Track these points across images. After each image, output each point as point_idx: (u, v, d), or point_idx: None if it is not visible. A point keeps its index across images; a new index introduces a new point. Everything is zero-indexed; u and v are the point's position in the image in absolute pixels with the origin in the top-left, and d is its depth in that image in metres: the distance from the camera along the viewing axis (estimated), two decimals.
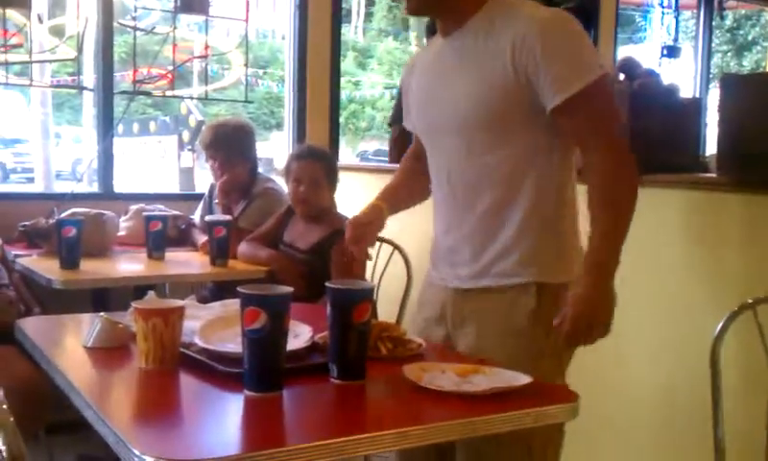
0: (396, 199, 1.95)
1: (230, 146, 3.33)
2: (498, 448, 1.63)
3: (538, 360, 1.63)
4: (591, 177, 1.61)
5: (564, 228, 1.73)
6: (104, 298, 3.12)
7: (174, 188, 8.21)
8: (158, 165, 8.88)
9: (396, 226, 2.01)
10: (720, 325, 2.02)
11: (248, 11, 4.10)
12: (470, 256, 1.73)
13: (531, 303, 1.67)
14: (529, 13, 1.62)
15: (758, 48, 15.05)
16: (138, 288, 2.72)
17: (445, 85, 1.74)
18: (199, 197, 3.69)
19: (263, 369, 1.35)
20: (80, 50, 3.77)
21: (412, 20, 20.31)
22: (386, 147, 4.33)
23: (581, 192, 1.76)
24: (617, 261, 1.59)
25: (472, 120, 1.67)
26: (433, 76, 1.79)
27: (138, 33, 3.92)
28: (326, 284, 1.47)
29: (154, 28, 4.23)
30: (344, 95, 15.78)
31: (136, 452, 1.08)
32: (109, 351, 1.65)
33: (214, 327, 1.64)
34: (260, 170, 3.54)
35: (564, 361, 1.74)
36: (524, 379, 1.45)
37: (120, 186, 4.15)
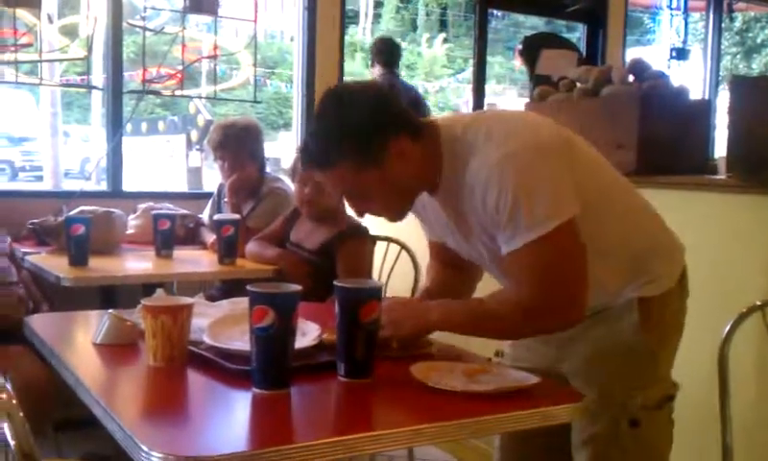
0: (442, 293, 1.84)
1: (239, 146, 3.34)
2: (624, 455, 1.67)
3: (644, 363, 1.68)
4: (502, 299, 1.59)
5: (645, 245, 1.71)
6: (112, 295, 3.13)
7: (182, 188, 8.22)
8: (167, 164, 8.90)
9: (403, 225, 2.01)
10: (728, 326, 2.01)
11: (256, 11, 4.11)
12: None
13: (635, 315, 1.67)
14: (478, 163, 1.53)
15: (767, 51, 15.01)
16: (147, 286, 2.73)
17: (464, 246, 1.73)
18: (207, 196, 3.70)
19: (271, 367, 1.35)
20: (89, 50, 3.79)
21: (420, 21, 20.32)
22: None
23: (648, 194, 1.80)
24: (446, 328, 1.63)
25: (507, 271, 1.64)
26: (442, 225, 1.76)
27: (147, 33, 3.93)
28: (334, 283, 1.48)
29: (163, 28, 4.24)
30: None
31: (144, 448, 1.09)
32: (118, 348, 1.66)
33: (222, 324, 1.65)
34: (268, 170, 3.55)
35: (671, 358, 1.77)
36: (532, 379, 1.45)
37: (129, 185, 4.17)
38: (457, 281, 1.88)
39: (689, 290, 1.82)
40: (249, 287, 1.35)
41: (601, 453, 1.69)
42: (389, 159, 1.56)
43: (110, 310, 1.76)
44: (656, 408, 1.69)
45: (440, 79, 18.67)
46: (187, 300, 1.58)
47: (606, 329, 1.68)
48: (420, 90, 17.34)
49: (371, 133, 1.55)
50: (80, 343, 1.83)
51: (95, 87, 3.99)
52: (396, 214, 1.69)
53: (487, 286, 1.78)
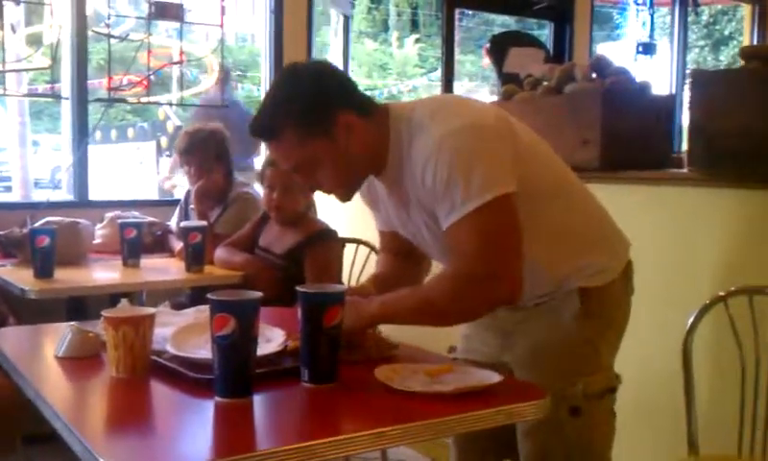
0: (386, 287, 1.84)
1: (205, 151, 3.32)
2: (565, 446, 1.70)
3: (585, 352, 1.71)
4: (437, 278, 1.62)
5: (589, 235, 1.75)
6: (80, 307, 3.11)
7: (153, 195, 8.17)
8: (138, 171, 8.83)
9: (372, 227, 2.01)
10: (692, 318, 2.04)
11: (222, 16, 4.10)
12: None
13: (576, 304, 1.70)
14: (419, 144, 1.58)
15: (735, 43, 15.16)
16: (114, 296, 2.71)
17: (412, 232, 1.77)
18: (176, 203, 3.68)
19: (233, 375, 1.35)
20: (54, 58, 3.75)
21: (391, 21, 20.33)
22: None
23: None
24: (390, 320, 1.64)
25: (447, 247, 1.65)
26: (391, 211, 1.79)
27: (113, 40, 3.90)
28: (297, 288, 1.47)
29: (128, 35, 4.21)
30: None
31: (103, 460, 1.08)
32: (81, 361, 1.64)
33: (186, 334, 1.64)
34: (237, 175, 3.54)
35: (613, 350, 1.79)
36: (495, 378, 1.45)
37: (98, 194, 4.13)
38: (406, 271, 1.90)
39: (650, 285, 1.84)
40: (209, 295, 1.35)
41: (543, 442, 1.71)
42: (336, 131, 1.59)
43: (72, 323, 1.74)
44: (597, 397, 1.71)
45: (412, 78, 18.69)
46: (149, 310, 1.57)
47: (548, 319, 1.72)
48: (393, 90, 17.35)
49: (316, 103, 1.59)
50: (42, 356, 1.81)
51: (60, 96, 3.94)
52: (344, 190, 1.71)
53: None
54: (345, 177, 1.68)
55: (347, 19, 5.07)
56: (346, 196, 1.73)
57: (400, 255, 1.90)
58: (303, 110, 1.59)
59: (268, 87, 1.71)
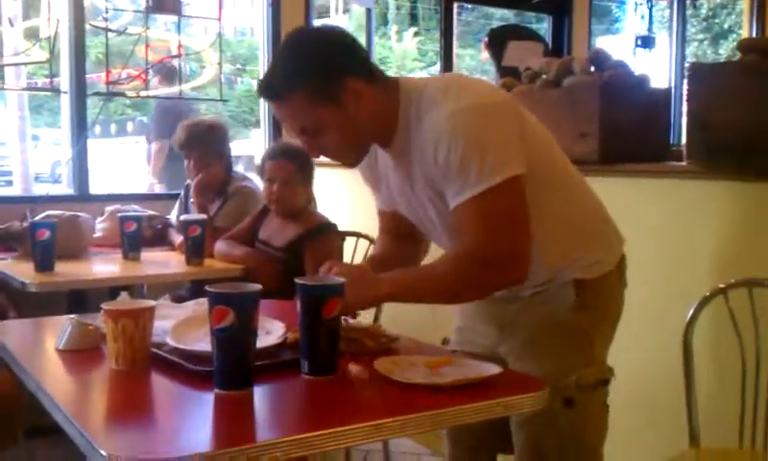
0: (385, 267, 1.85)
1: (205, 145, 3.33)
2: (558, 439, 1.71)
3: (580, 343, 1.72)
4: (450, 258, 1.62)
5: (585, 226, 1.77)
6: (80, 300, 3.11)
7: (152, 189, 8.17)
8: (137, 166, 8.84)
9: (372, 220, 2.01)
10: (692, 310, 2.05)
11: (220, 10, 4.10)
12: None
13: (571, 295, 1.71)
14: (431, 120, 1.58)
15: (734, 36, 15.14)
16: (114, 289, 2.71)
17: (414, 209, 1.77)
18: (176, 197, 3.68)
19: (232, 367, 1.35)
20: (52, 52, 3.75)
21: (391, 15, 20.29)
22: None
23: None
24: (400, 297, 1.65)
25: (450, 228, 1.67)
26: (395, 187, 1.79)
27: (111, 34, 3.90)
28: (296, 280, 1.48)
29: (126, 29, 4.21)
30: None
31: (103, 453, 1.09)
32: (81, 354, 1.65)
33: (186, 326, 1.64)
34: (237, 168, 3.54)
35: (607, 342, 1.80)
36: (494, 369, 1.46)
37: (97, 188, 4.13)
38: (404, 251, 1.90)
39: (650, 278, 1.85)
40: (207, 288, 1.35)
41: (536, 433, 1.72)
42: (345, 97, 1.59)
43: (72, 316, 1.75)
44: (590, 389, 1.72)
45: (412, 72, 18.67)
46: (149, 302, 1.58)
47: (543, 311, 1.73)
48: None
49: (326, 68, 1.59)
50: (43, 349, 1.81)
51: (58, 90, 3.94)
52: (350, 157, 1.71)
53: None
54: (351, 143, 1.68)
55: (369, 13, 5.06)
56: (351, 162, 1.73)
57: (399, 236, 1.90)
58: (313, 75, 1.58)
59: (277, 51, 1.69)
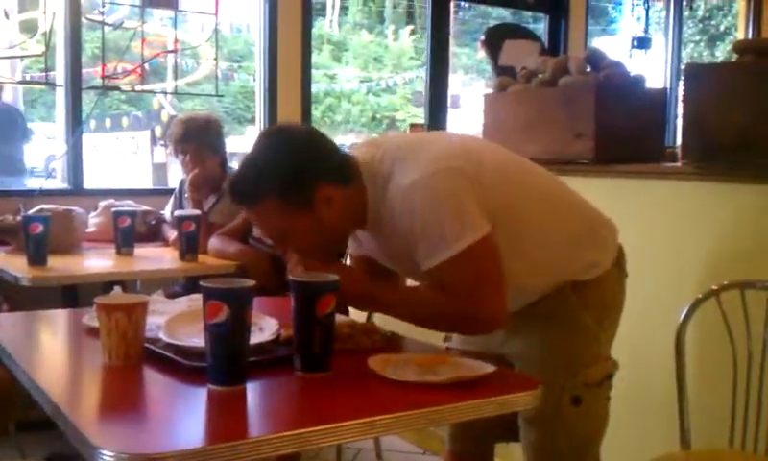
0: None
1: (201, 140, 3.32)
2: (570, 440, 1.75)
3: (585, 342, 1.75)
4: (435, 294, 1.63)
5: (574, 241, 1.77)
6: (74, 295, 3.11)
7: (147, 184, 8.15)
8: (131, 160, 8.80)
9: None
10: (684, 312, 2.05)
11: (217, 5, 4.09)
12: None
13: (573, 299, 1.73)
14: (393, 191, 1.61)
15: (730, 38, 15.17)
16: (108, 284, 2.70)
17: (388, 260, 1.81)
18: (171, 192, 3.68)
19: (226, 362, 1.35)
20: (47, 46, 3.74)
21: (387, 13, 20.27)
22: (362, 140, 4.35)
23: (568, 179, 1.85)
24: (382, 311, 1.73)
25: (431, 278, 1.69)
26: (372, 250, 1.83)
27: (107, 28, 3.88)
28: (289, 277, 1.48)
29: (122, 23, 4.20)
30: (320, 89, 15.71)
31: (95, 445, 1.08)
32: (74, 348, 1.65)
33: (179, 321, 1.64)
34: (232, 164, 3.53)
35: (611, 338, 1.83)
36: (487, 368, 1.46)
37: (92, 182, 4.12)
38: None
39: (643, 279, 1.86)
40: (201, 283, 1.35)
41: (546, 432, 1.75)
42: (316, 204, 1.61)
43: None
44: (597, 386, 1.75)
45: (408, 70, 18.66)
46: (143, 297, 1.57)
47: (546, 312, 1.74)
48: (390, 83, 17.32)
49: (295, 177, 1.60)
50: (35, 343, 1.81)
51: (53, 84, 3.93)
52: (322, 255, 1.71)
53: None
54: (322, 244, 1.70)
55: None
56: (324, 259, 1.73)
57: (372, 271, 1.90)
58: (284, 184, 1.60)
59: (251, 149, 1.69)
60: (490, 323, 1.62)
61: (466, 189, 1.58)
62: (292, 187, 1.60)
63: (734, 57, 2.39)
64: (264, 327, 1.65)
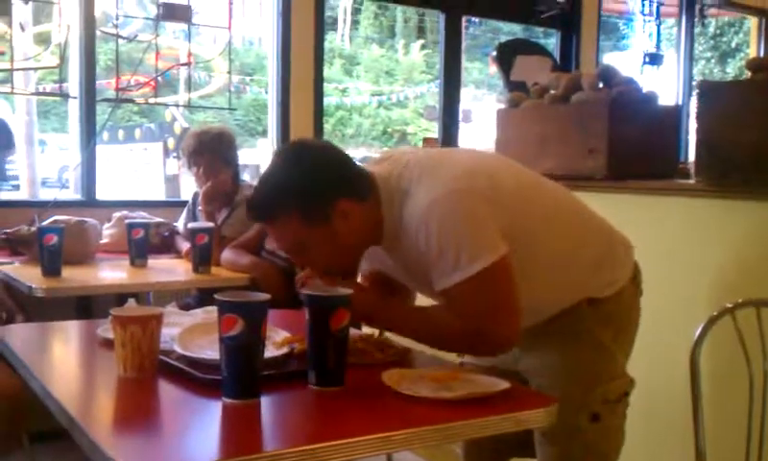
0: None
1: (214, 152, 3.33)
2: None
3: (602, 358, 1.75)
4: (448, 314, 1.62)
5: (594, 259, 1.77)
6: (88, 306, 3.12)
7: (160, 196, 8.18)
8: (144, 172, 8.85)
9: None
10: (699, 329, 2.04)
11: (230, 19, 4.11)
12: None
13: (590, 316, 1.73)
14: (411, 209, 1.61)
15: (741, 55, 15.16)
16: (122, 296, 2.71)
17: (403, 277, 1.81)
18: (183, 204, 3.69)
19: (240, 376, 1.35)
20: (62, 58, 3.77)
21: (398, 28, 20.34)
22: (373, 154, 4.36)
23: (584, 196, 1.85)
24: (393, 330, 1.74)
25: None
26: (386, 267, 1.82)
27: (121, 40, 3.91)
28: (303, 291, 1.48)
29: (136, 35, 4.23)
30: (331, 102, 15.76)
31: (109, 458, 1.09)
32: (88, 359, 1.65)
33: (192, 334, 1.65)
34: (244, 177, 3.55)
35: (627, 354, 1.83)
36: (502, 384, 1.46)
37: (105, 194, 4.15)
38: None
39: (657, 296, 1.85)
40: (216, 296, 1.36)
41: (564, 449, 1.74)
42: (333, 220, 1.61)
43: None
44: (615, 403, 1.75)
45: (419, 84, 18.70)
46: (157, 309, 1.58)
47: (563, 328, 1.74)
48: (401, 96, 17.36)
49: (315, 194, 1.61)
50: (50, 353, 1.82)
51: (68, 96, 3.96)
52: (339, 270, 1.71)
53: None
54: (340, 259, 1.70)
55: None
56: (341, 275, 1.72)
57: (381, 285, 1.90)
58: (304, 199, 1.61)
59: (268, 165, 1.71)
60: (503, 345, 1.62)
61: (484, 210, 1.58)
62: (311, 202, 1.61)
63: (747, 74, 2.38)
64: (275, 340, 1.65)
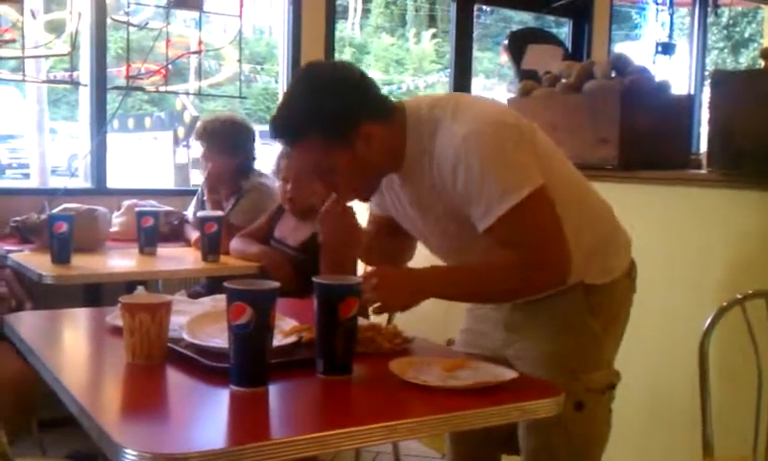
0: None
1: (214, 139, 3.34)
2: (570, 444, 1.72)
3: (590, 347, 1.73)
4: (497, 255, 1.60)
5: (597, 237, 1.75)
6: (97, 293, 3.13)
7: (169, 184, 8.20)
8: (154, 161, 8.87)
9: None
10: (708, 320, 2.03)
11: (241, 7, 4.11)
12: None
13: (581, 299, 1.72)
14: (446, 140, 1.58)
15: (755, 45, 15.06)
16: (131, 284, 2.72)
17: (417, 224, 1.78)
18: (193, 192, 3.69)
19: (249, 364, 1.35)
20: (73, 46, 3.77)
21: (409, 16, 20.30)
22: None
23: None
24: (442, 294, 1.64)
25: (463, 250, 1.69)
26: (402, 211, 1.80)
27: (132, 28, 3.91)
28: (313, 279, 1.48)
29: (147, 23, 4.22)
30: None
31: (118, 445, 1.09)
32: (97, 346, 1.65)
33: (201, 322, 1.65)
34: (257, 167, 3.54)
35: (616, 346, 1.81)
36: (510, 374, 1.45)
37: (115, 182, 4.15)
38: (390, 247, 1.90)
39: (667, 286, 1.84)
40: (226, 284, 1.36)
41: (546, 437, 1.73)
42: (357, 141, 1.60)
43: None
44: (599, 392, 1.73)
45: (429, 74, 18.67)
46: (166, 297, 1.58)
47: (552, 314, 1.72)
48: (411, 86, 17.31)
49: (340, 116, 1.59)
50: (59, 341, 1.83)
51: (78, 83, 3.96)
52: (361, 194, 1.74)
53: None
54: (361, 182, 1.70)
55: None
56: (363, 198, 1.76)
57: (388, 233, 1.90)
58: (327, 121, 1.59)
59: (288, 86, 1.70)
60: (560, 268, 1.58)
61: (525, 146, 1.58)
62: (334, 126, 1.59)
63: (760, 63, 2.36)
64: (282, 329, 1.65)
